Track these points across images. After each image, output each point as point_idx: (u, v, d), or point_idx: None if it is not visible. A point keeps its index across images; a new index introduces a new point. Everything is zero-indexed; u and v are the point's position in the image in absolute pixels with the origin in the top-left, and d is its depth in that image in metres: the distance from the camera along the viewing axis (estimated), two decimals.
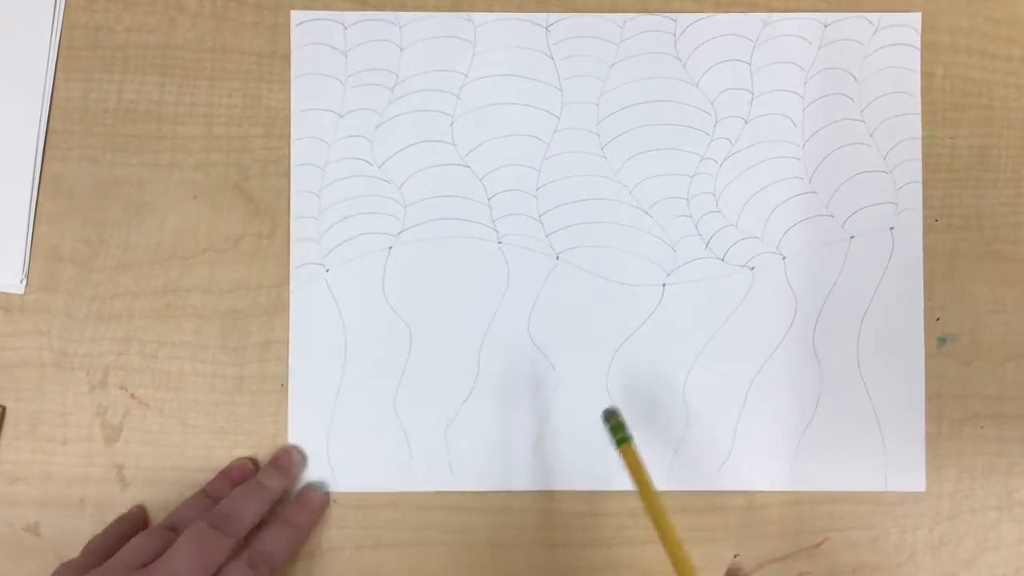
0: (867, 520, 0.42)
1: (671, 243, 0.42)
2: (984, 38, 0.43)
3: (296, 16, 0.42)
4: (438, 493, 0.41)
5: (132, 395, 0.41)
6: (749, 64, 0.43)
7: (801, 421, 0.42)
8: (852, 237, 0.42)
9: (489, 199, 0.42)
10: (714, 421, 0.42)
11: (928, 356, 0.43)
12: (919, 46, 0.43)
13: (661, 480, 0.41)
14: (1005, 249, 0.43)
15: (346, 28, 0.42)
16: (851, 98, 0.43)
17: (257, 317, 0.42)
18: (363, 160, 0.42)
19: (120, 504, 0.41)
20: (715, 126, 0.43)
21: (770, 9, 0.43)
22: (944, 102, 0.43)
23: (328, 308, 0.42)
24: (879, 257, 0.42)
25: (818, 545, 0.42)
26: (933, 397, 0.42)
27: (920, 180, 0.43)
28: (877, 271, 0.42)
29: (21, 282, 0.42)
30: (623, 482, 0.41)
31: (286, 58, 0.43)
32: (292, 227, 0.42)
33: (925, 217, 0.43)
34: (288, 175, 0.42)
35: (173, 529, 0.37)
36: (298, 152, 0.42)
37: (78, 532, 0.41)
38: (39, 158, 0.42)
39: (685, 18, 0.43)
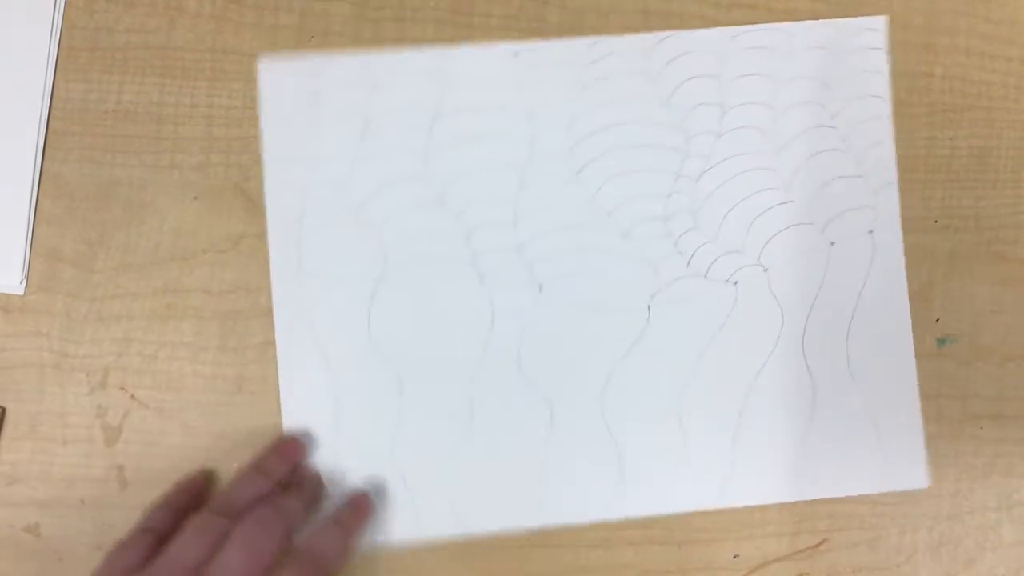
0: (867, 520, 0.42)
1: (653, 264, 0.42)
2: (983, 39, 0.44)
3: (264, 63, 0.42)
4: (445, 540, 0.41)
5: (132, 396, 0.41)
6: (718, 79, 0.42)
7: (798, 430, 0.42)
8: (832, 243, 0.42)
9: (468, 234, 0.42)
10: (712, 438, 0.42)
11: (928, 357, 0.43)
12: (885, 48, 0.43)
13: (665, 504, 0.41)
14: (1005, 249, 0.43)
15: (315, 72, 0.42)
16: (822, 105, 0.43)
17: (257, 318, 0.42)
18: (339, 204, 0.42)
19: (120, 505, 0.41)
20: (688, 143, 0.42)
21: (770, 9, 0.43)
22: (944, 102, 0.43)
23: (315, 362, 0.41)
24: (860, 261, 0.42)
25: (818, 545, 0.42)
26: (932, 397, 0.42)
27: (895, 181, 0.43)
28: (860, 275, 0.42)
29: (21, 283, 0.42)
30: (630, 508, 0.41)
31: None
32: (273, 283, 0.41)
33: (924, 218, 0.43)
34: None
35: (227, 511, 0.37)
36: (272, 203, 0.42)
37: (78, 533, 0.41)
38: (39, 159, 0.42)
39: (652, 37, 0.42)
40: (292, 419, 0.41)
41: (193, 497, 0.40)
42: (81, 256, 0.42)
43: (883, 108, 0.43)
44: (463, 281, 0.42)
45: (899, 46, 0.43)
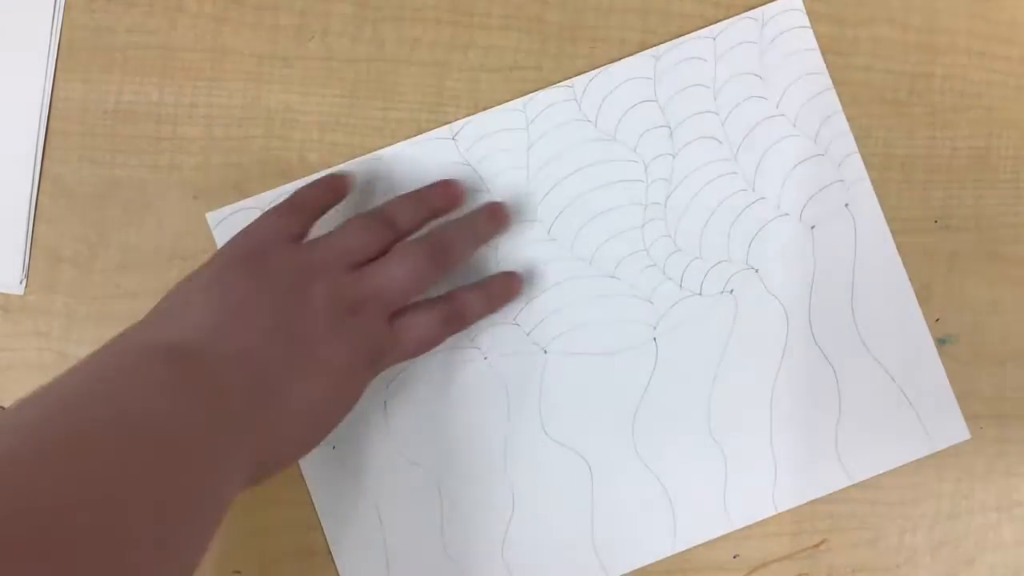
0: (867, 520, 0.42)
1: (646, 297, 0.42)
2: (984, 38, 0.44)
3: (213, 218, 0.42)
4: None
5: None
6: (656, 101, 0.42)
7: (832, 417, 0.42)
8: (813, 227, 0.42)
9: None
10: (749, 450, 0.42)
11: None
12: (809, 24, 0.43)
13: (720, 527, 0.41)
14: (1005, 249, 0.43)
15: (263, 209, 0.41)
16: (763, 97, 0.43)
17: None
18: None
19: None
20: (646, 170, 0.42)
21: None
22: (944, 103, 0.43)
23: (349, 485, 0.41)
24: (845, 235, 0.42)
25: (818, 545, 0.42)
26: None
27: (857, 150, 0.42)
28: (848, 250, 0.42)
29: (21, 283, 0.42)
30: (686, 540, 0.41)
31: (286, 59, 0.43)
32: None
33: (924, 218, 0.43)
34: (287, 176, 0.42)
35: (388, 223, 0.37)
36: None
37: None
38: (39, 158, 0.42)
39: (580, 80, 0.42)
40: (338, 541, 0.41)
41: (338, 192, 0.39)
42: (81, 256, 0.42)
43: (823, 82, 0.43)
44: (469, 367, 0.42)
45: (899, 46, 0.43)
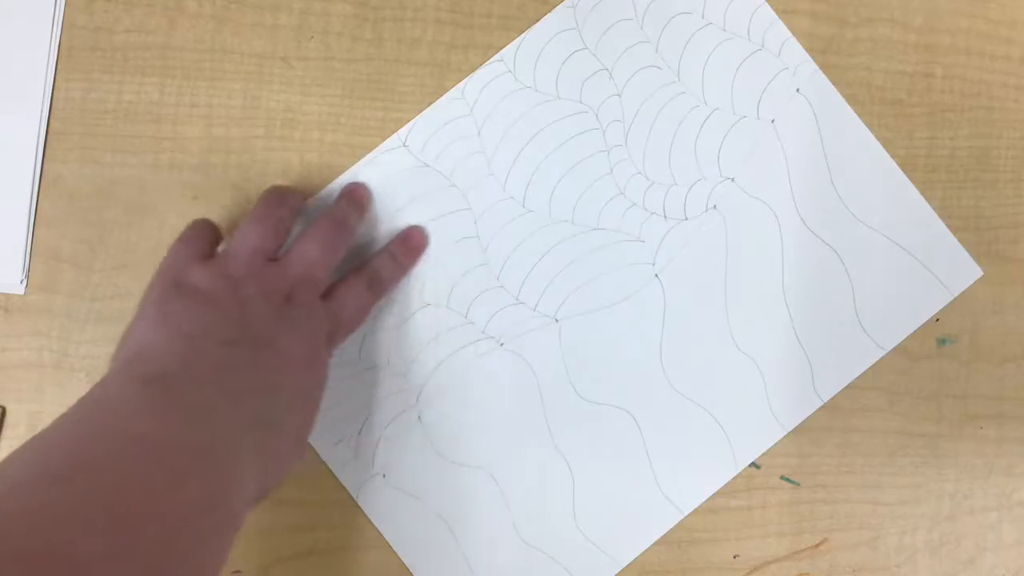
0: (867, 520, 0.42)
1: (636, 238, 0.42)
2: (984, 38, 0.44)
3: None
4: None
5: None
6: (586, 48, 0.42)
7: (847, 295, 0.42)
8: (773, 120, 0.43)
9: (466, 314, 0.42)
10: (780, 352, 0.42)
11: (928, 357, 0.43)
12: None
13: (774, 434, 0.42)
14: (1005, 249, 0.43)
15: None
16: (687, 11, 0.43)
17: None
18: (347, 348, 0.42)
19: None
20: (598, 117, 0.42)
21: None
22: (944, 102, 0.43)
23: (410, 507, 0.41)
24: (806, 120, 0.43)
25: (818, 545, 0.42)
26: (932, 397, 0.42)
27: (791, 35, 0.43)
28: (812, 132, 0.43)
29: (21, 283, 0.42)
30: (743, 460, 0.42)
31: (286, 59, 0.43)
32: (335, 472, 0.41)
33: None
34: (287, 176, 0.42)
35: (272, 216, 0.38)
36: None
37: None
38: (39, 159, 0.42)
39: (508, 51, 0.42)
40: (416, 564, 0.41)
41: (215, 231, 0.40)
42: (81, 256, 0.42)
43: None
44: (488, 356, 0.42)
45: (899, 46, 0.43)
